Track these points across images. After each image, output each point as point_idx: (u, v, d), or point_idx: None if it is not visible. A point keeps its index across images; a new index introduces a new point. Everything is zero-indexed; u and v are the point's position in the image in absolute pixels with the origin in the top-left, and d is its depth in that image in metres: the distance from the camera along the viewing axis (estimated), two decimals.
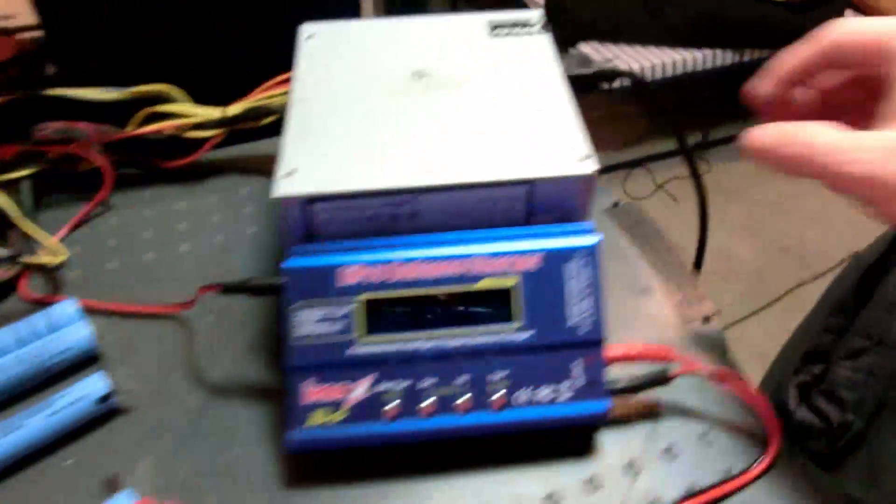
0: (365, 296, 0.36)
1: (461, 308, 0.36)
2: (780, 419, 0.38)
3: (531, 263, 0.36)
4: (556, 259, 0.36)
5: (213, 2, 0.52)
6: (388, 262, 0.36)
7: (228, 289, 0.37)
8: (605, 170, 2.01)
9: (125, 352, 0.42)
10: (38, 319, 0.41)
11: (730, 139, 2.12)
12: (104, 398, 0.38)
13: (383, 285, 0.36)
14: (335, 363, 0.35)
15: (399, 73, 0.43)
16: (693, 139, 2.08)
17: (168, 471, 0.37)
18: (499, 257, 0.36)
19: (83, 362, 0.41)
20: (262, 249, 0.48)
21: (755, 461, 0.36)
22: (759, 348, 1.69)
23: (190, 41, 0.53)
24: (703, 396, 0.39)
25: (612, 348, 0.37)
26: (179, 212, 0.51)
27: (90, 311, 0.44)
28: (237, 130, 0.51)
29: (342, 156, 0.38)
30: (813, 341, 0.49)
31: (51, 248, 0.45)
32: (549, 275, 0.36)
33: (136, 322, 0.44)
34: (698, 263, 0.54)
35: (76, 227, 0.49)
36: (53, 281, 0.46)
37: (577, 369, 0.36)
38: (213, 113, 0.50)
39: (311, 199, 0.36)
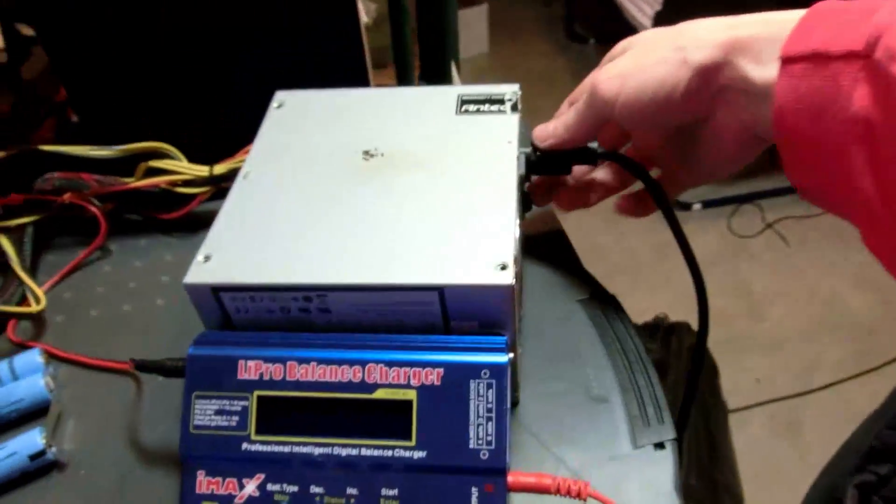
0: (260, 392, 0.35)
1: (356, 417, 0.34)
2: None
3: (431, 377, 0.34)
4: (458, 375, 0.34)
5: (217, 62, 0.54)
6: (287, 359, 0.35)
7: (142, 367, 0.38)
8: (710, 203, 1.91)
9: (78, 405, 0.44)
10: (2, 367, 0.44)
11: None
12: (36, 455, 0.40)
13: (279, 383, 0.35)
14: (228, 458, 0.35)
15: (350, 150, 0.42)
16: None
17: None
18: (398, 367, 0.34)
19: (36, 412, 0.43)
20: None
21: None
22: (862, 414, 1.53)
23: (189, 101, 0.54)
24: None
25: (522, 476, 0.34)
26: (166, 264, 0.53)
27: (58, 360, 0.46)
28: (224, 189, 0.51)
29: (261, 244, 0.37)
30: (882, 437, 0.43)
31: (35, 295, 0.48)
32: (449, 391, 0.34)
33: (95, 375, 0.45)
34: (698, 357, 0.48)
35: (72, 271, 0.52)
36: (39, 325, 0.49)
37: (475, 497, 0.33)
38: (202, 171, 0.51)
39: (219, 289, 0.36)
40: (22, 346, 0.47)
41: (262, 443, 0.35)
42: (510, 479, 0.34)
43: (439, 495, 0.33)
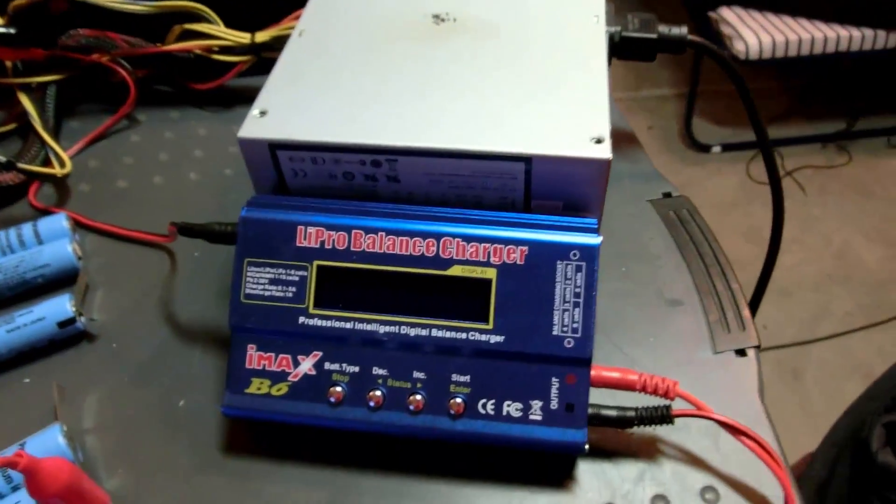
0: (321, 262, 0.32)
1: (426, 295, 0.31)
2: (859, 459, 0.31)
3: (514, 255, 0.31)
4: (544, 254, 0.30)
5: None
6: (352, 228, 0.31)
7: (185, 230, 0.35)
8: (730, 147, 1.86)
9: (108, 276, 0.41)
10: (26, 230, 0.40)
11: (881, 132, 1.87)
12: (65, 322, 0.37)
13: (343, 253, 0.31)
14: (282, 332, 0.32)
15: (418, 13, 0.38)
16: (835, 127, 1.86)
17: (115, 407, 0.35)
18: (477, 242, 0.31)
19: (63, 280, 0.40)
20: None
21: None
22: (864, 367, 1.53)
23: None
24: (715, 443, 0.33)
25: (605, 370, 0.31)
26: (199, 138, 0.49)
27: (85, 228, 0.43)
28: (266, 59, 0.47)
29: (324, 102, 0.33)
30: None
31: (59, 158, 0.44)
32: (534, 272, 0.30)
33: (126, 246, 0.42)
34: (763, 283, 0.46)
35: (97, 139, 0.48)
36: (63, 192, 0.45)
37: (555, 388, 0.31)
38: (243, 38, 0.47)
39: (277, 146, 0.32)
40: (45, 213, 0.43)
41: (322, 317, 0.32)
42: (592, 372, 0.31)
43: (516, 385, 0.31)
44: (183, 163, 0.47)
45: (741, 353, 0.36)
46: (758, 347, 0.36)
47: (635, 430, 0.32)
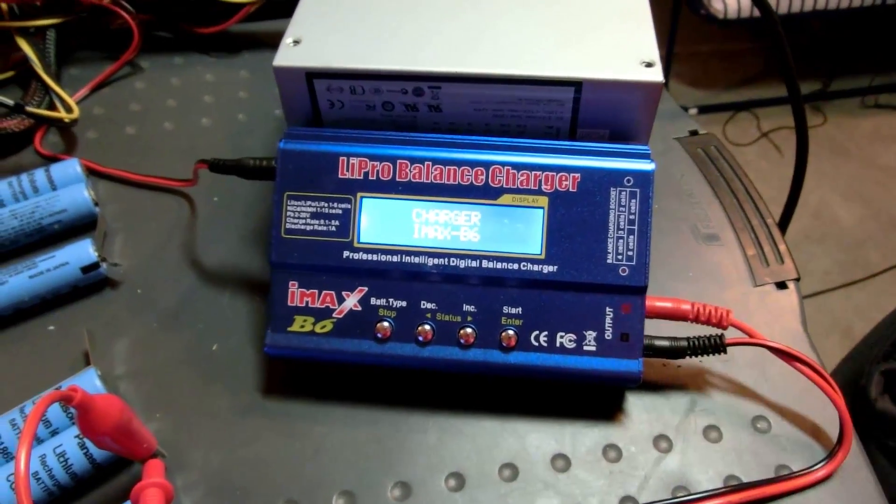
0: (364, 194, 0.31)
1: (476, 225, 0.30)
2: (857, 406, 0.31)
3: (566, 183, 0.30)
4: (598, 182, 0.30)
5: None
6: (396, 158, 0.30)
7: (217, 167, 0.33)
8: (706, 109, 1.87)
9: (125, 222, 0.39)
10: (39, 176, 0.38)
11: (854, 92, 1.90)
12: (89, 268, 0.35)
13: (388, 185, 0.30)
14: (326, 267, 0.31)
15: None
16: (810, 88, 1.88)
17: (146, 353, 0.34)
18: (527, 170, 0.30)
19: (80, 227, 0.38)
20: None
21: (818, 463, 0.29)
22: (843, 324, 1.56)
23: None
24: (763, 374, 0.33)
25: (658, 300, 0.31)
26: (207, 83, 0.47)
27: (96, 175, 0.41)
28: (276, 2, 0.45)
29: (361, 28, 0.32)
30: None
31: (65, 103, 0.42)
32: (587, 200, 0.30)
33: (141, 192, 0.40)
34: (785, 221, 0.46)
35: (100, 86, 0.46)
36: (70, 139, 0.43)
37: (609, 318, 0.30)
38: None
39: (313, 74, 0.31)
40: (52, 160, 0.41)
41: (367, 251, 0.31)
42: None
43: (569, 315, 0.30)
44: (193, 109, 0.45)
45: (781, 285, 0.36)
46: (797, 280, 0.36)
47: (683, 362, 0.32)
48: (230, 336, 0.34)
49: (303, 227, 0.31)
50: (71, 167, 0.39)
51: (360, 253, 0.31)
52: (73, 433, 0.29)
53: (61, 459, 0.28)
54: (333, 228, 0.31)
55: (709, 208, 0.39)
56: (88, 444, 0.28)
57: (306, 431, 0.31)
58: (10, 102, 0.39)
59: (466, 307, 0.31)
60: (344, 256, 0.31)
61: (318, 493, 0.29)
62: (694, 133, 0.43)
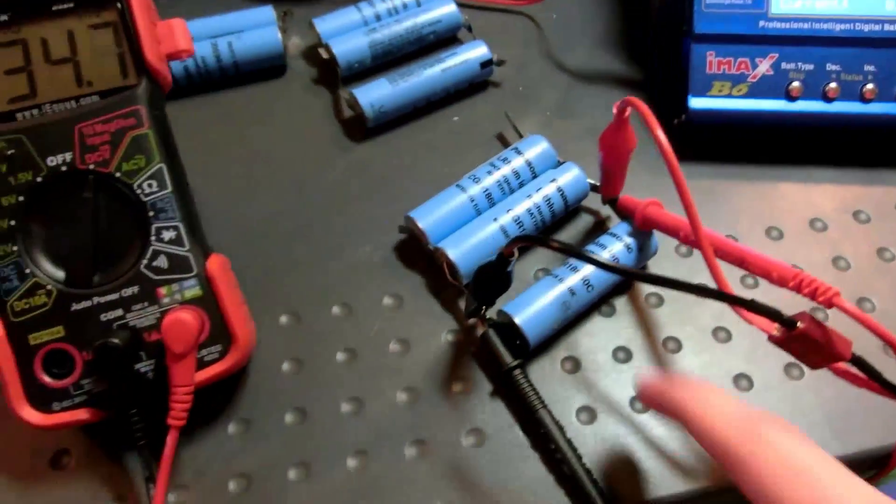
0: None
1: None
2: None
3: None
4: None
5: None
6: None
7: None
8: None
9: (484, 35, 0.43)
10: None
11: None
12: (486, 63, 0.40)
13: None
14: (742, 35, 0.36)
15: None
16: None
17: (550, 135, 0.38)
18: None
19: (449, 40, 0.42)
20: None
21: None
22: None
23: None
24: None
25: None
26: None
27: None
28: None
29: None
30: None
31: None
32: None
33: (483, 13, 0.44)
34: None
35: None
36: None
37: None
38: None
39: None
40: None
41: (780, 19, 0.35)
42: None
43: None
44: None
45: None
46: None
47: None
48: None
49: (721, 0, 0.35)
50: None
51: (774, 21, 0.35)
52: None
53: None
54: (749, 0, 0.35)
55: None
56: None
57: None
58: None
59: (867, 67, 0.35)
60: (759, 25, 0.35)
61: None
62: None
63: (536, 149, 0.35)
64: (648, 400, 0.27)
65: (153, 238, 0.27)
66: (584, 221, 0.36)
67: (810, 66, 0.36)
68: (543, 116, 0.39)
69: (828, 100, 0.35)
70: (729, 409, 0.24)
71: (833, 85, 0.35)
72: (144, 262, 0.27)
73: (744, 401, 0.26)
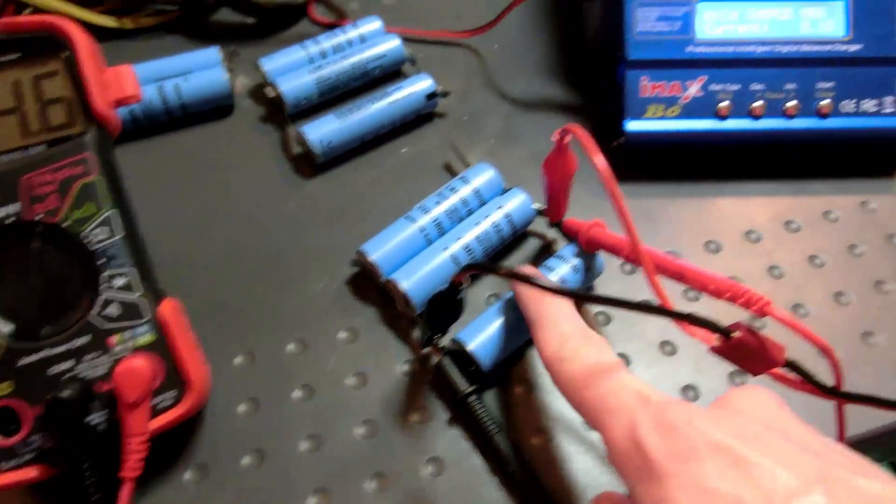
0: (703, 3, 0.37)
1: (789, 14, 0.37)
2: None
3: None
4: None
5: None
6: None
7: None
8: None
9: (428, 67, 0.44)
10: (350, 30, 0.43)
11: None
12: (431, 95, 0.41)
13: None
14: (671, 61, 0.37)
15: None
16: None
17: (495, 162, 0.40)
18: None
19: (393, 73, 0.43)
20: None
21: None
22: None
23: None
24: None
25: None
26: None
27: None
28: None
29: None
30: None
31: None
32: None
33: (426, 46, 0.46)
34: None
35: None
36: (337, 12, 0.48)
37: None
38: None
39: None
40: (330, 27, 0.46)
41: (707, 43, 0.37)
42: None
43: (871, 86, 0.37)
44: None
45: None
46: None
47: None
48: None
49: (650, 28, 0.37)
50: (375, 23, 0.44)
51: (702, 46, 0.37)
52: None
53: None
54: (676, 27, 0.37)
55: None
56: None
57: None
58: None
59: (788, 85, 0.37)
60: (687, 50, 0.37)
61: None
62: None
63: (483, 177, 0.36)
64: (517, 296, 0.30)
65: (104, 286, 0.27)
66: (532, 245, 0.37)
67: (737, 87, 0.38)
68: (488, 144, 0.41)
69: (755, 117, 0.37)
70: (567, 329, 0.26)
71: (758, 103, 0.37)
72: (95, 310, 0.27)
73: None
